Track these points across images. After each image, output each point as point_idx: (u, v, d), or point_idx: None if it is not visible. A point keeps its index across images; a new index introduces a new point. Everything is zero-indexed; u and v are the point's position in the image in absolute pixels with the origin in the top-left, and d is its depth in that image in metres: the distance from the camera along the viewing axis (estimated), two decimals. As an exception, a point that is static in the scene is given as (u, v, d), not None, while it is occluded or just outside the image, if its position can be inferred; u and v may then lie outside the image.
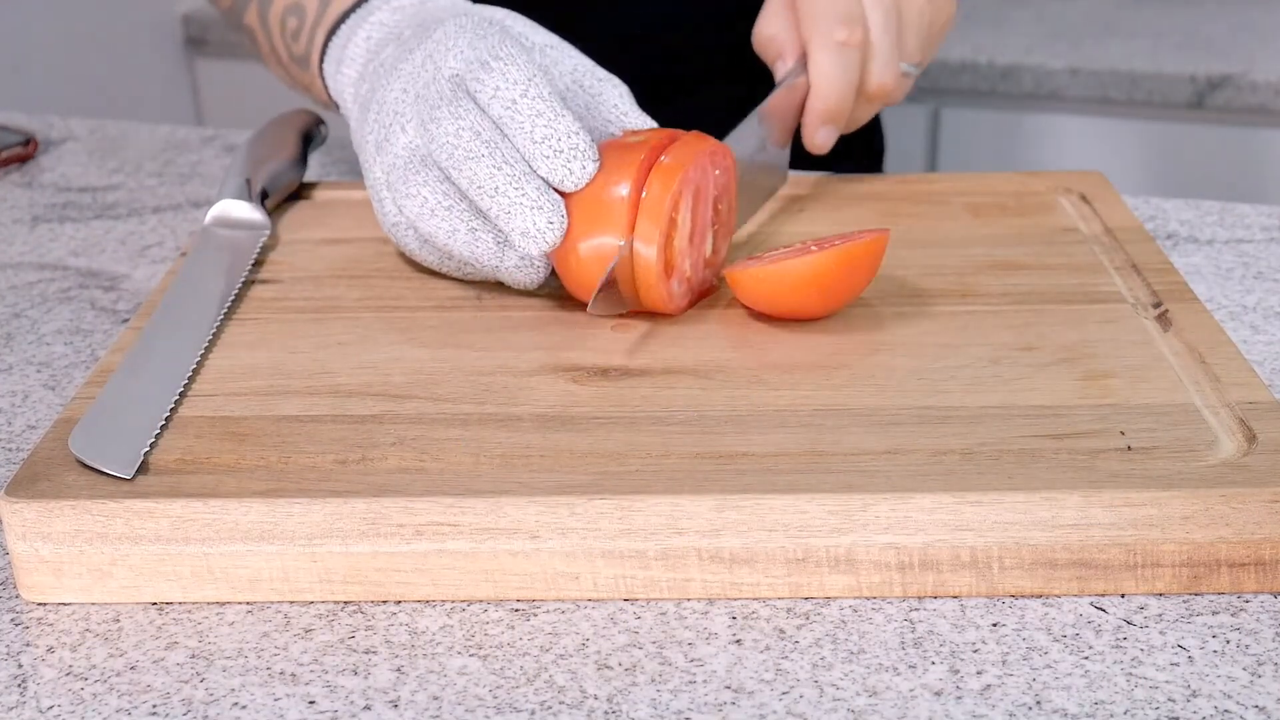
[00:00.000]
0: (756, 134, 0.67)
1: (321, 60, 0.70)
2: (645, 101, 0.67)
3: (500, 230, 0.58)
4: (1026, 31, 1.63)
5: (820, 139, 0.69)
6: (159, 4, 1.78)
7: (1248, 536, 0.47)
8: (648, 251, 0.57)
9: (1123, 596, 0.48)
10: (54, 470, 0.49)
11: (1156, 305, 0.59)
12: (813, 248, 0.58)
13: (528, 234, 0.56)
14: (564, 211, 0.57)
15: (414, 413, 0.53)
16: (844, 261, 0.57)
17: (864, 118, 0.72)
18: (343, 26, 0.69)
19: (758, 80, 0.68)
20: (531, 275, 0.59)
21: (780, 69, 0.71)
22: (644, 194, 0.57)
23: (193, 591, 0.48)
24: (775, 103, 0.67)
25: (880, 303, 0.60)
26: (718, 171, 0.60)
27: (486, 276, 0.61)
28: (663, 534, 0.47)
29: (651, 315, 0.60)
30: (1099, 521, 0.47)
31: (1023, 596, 0.48)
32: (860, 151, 1.10)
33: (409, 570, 0.48)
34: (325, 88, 0.71)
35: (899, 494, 0.46)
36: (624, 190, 0.56)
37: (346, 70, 0.68)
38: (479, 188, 0.57)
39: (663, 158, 0.57)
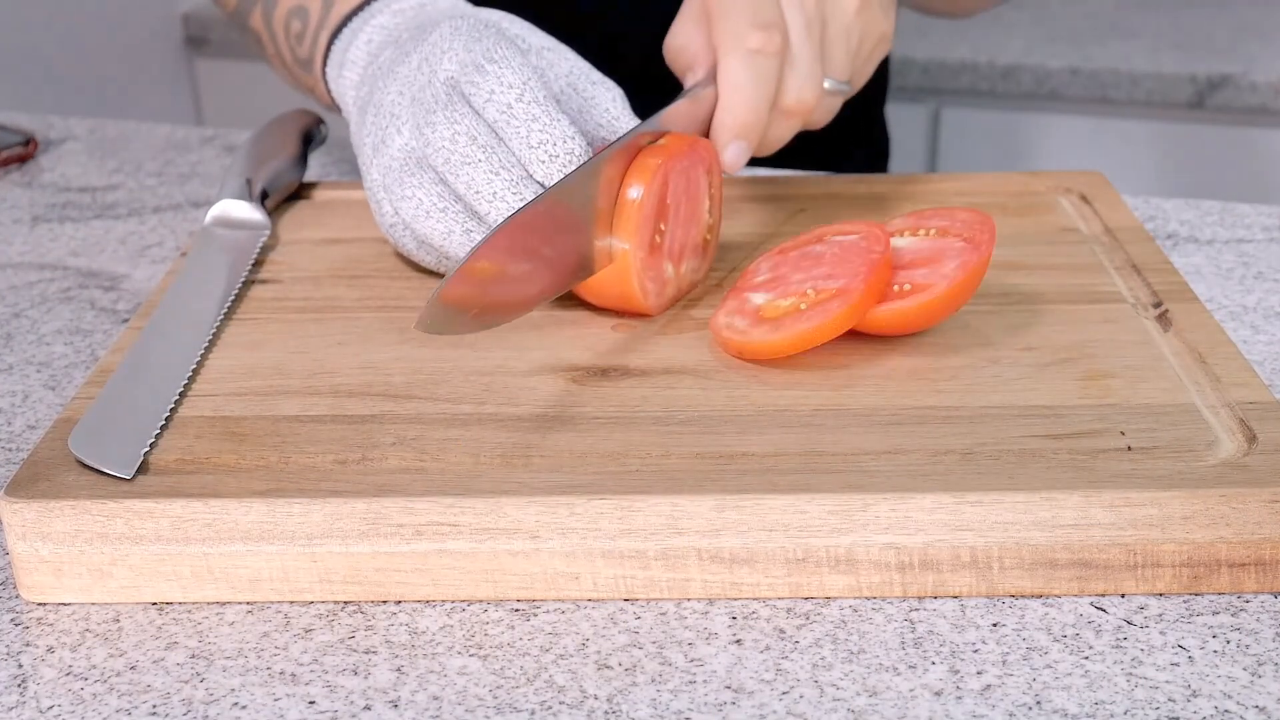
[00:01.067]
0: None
1: (324, 64, 0.70)
2: (641, 105, 0.66)
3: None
4: (1026, 31, 1.63)
5: (729, 156, 0.61)
6: (159, 4, 1.78)
7: (1248, 536, 0.47)
8: (627, 252, 0.57)
9: (1123, 596, 0.48)
10: (54, 470, 0.49)
11: (1156, 305, 0.59)
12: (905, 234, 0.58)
13: (527, 237, 0.56)
14: (561, 215, 0.57)
15: (414, 413, 0.53)
16: (980, 270, 0.56)
17: (783, 137, 0.64)
18: (345, 30, 0.69)
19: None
20: (528, 276, 0.59)
21: (689, 81, 0.63)
22: (626, 195, 0.57)
23: (193, 591, 0.48)
24: (676, 114, 0.60)
25: (880, 303, 0.60)
26: (703, 170, 0.60)
27: (485, 276, 0.61)
28: (663, 534, 0.47)
29: (649, 315, 0.60)
30: (1099, 521, 0.47)
31: (1023, 596, 0.48)
32: (862, 151, 1.10)
33: (409, 570, 0.48)
34: (328, 90, 0.71)
35: (899, 494, 0.46)
36: (623, 193, 0.57)
37: (348, 74, 0.68)
38: (476, 193, 0.57)
39: (649, 159, 0.57)
